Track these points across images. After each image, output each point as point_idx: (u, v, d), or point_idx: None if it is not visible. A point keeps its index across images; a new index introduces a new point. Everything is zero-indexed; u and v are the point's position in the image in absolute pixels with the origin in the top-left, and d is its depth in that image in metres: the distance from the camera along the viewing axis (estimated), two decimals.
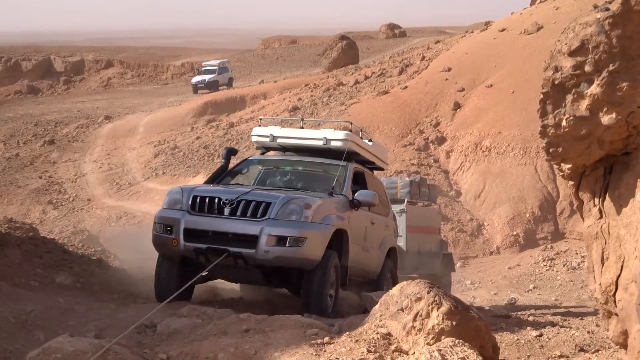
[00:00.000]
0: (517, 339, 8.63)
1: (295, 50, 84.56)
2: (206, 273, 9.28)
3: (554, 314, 12.34)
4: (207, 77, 56.72)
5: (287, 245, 9.16)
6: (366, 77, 41.95)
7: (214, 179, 11.16)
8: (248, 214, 9.32)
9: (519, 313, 12.40)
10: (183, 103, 47.32)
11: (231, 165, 11.64)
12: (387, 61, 48.42)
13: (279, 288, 10.71)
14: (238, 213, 9.35)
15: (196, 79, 57.88)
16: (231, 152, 11.90)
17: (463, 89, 34.64)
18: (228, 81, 58.06)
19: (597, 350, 8.01)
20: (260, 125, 12.49)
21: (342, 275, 10.05)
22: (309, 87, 43.26)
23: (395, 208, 14.17)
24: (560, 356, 7.90)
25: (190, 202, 9.58)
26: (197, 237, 9.41)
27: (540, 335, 8.77)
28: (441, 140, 31.82)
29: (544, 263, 23.31)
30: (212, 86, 55.32)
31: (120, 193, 31.41)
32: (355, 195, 10.41)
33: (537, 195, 27.51)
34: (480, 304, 16.12)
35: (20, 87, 74.97)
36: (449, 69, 36.76)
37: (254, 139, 12.35)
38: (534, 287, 20.99)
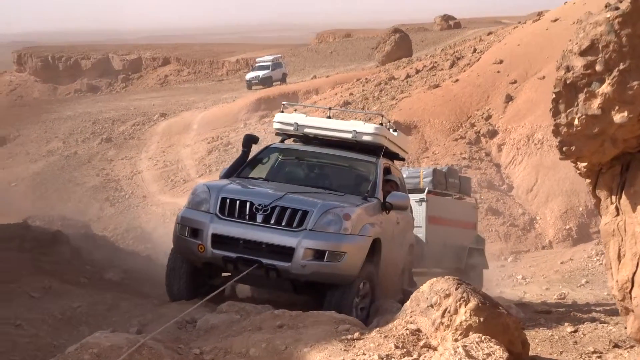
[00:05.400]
0: (552, 334, 8.60)
1: (349, 44, 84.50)
2: (234, 281, 8.95)
3: (599, 310, 12.21)
4: (260, 73, 57.14)
5: (325, 260, 8.62)
6: (417, 71, 41.82)
7: (235, 168, 10.62)
8: (283, 223, 8.73)
9: (563, 309, 12.33)
10: (237, 99, 47.80)
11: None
12: (438, 54, 48.17)
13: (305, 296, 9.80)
14: (272, 221, 8.74)
15: (250, 75, 58.39)
16: (251, 139, 11.28)
17: (515, 81, 34.27)
18: (282, 77, 58.37)
19: (632, 347, 7.92)
20: (282, 112, 11.53)
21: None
22: (360, 81, 43.31)
23: (416, 197, 13.74)
24: (594, 352, 7.83)
25: (219, 205, 8.97)
26: (226, 245, 8.81)
27: (576, 331, 8.73)
28: (493, 133, 31.53)
29: (597, 257, 22.94)
30: (266, 82, 55.69)
31: (175, 190, 31.94)
32: (388, 198, 9.88)
33: None
34: (530, 299, 16.02)
35: (79, 86, 77.03)
36: (501, 61, 36.39)
37: (275, 125, 11.45)
38: (586, 282, 20.68)
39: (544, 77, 33.25)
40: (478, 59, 39.11)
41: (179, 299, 9.34)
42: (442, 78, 38.18)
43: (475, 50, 42.25)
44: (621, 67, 4.77)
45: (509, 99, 33.17)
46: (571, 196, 26.90)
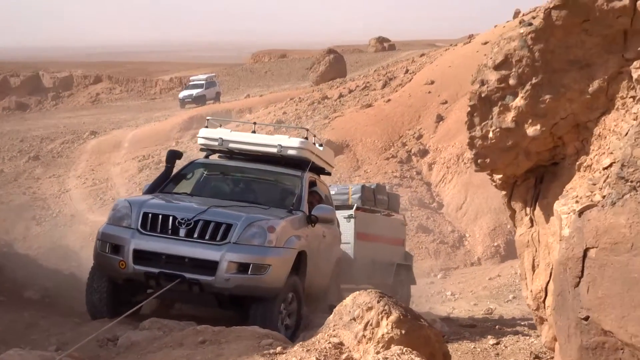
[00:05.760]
0: (474, 347, 8.74)
1: (284, 64, 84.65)
2: (154, 297, 8.72)
3: (523, 324, 12.43)
4: (194, 92, 56.79)
5: (249, 273, 8.52)
6: (350, 91, 42.15)
7: (158, 184, 10.45)
8: (206, 237, 8.63)
9: (489, 323, 12.51)
10: (169, 118, 47.37)
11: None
12: (371, 75, 48.67)
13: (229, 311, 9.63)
14: (195, 235, 8.62)
15: (183, 93, 57.99)
16: (175, 155, 11.13)
17: (446, 102, 34.83)
18: (215, 95, 58.14)
19: (552, 358, 8.09)
20: (207, 127, 11.42)
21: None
22: (294, 100, 43.45)
23: (344, 213, 13.80)
24: None
25: (140, 220, 8.80)
26: (148, 260, 8.65)
27: (498, 343, 8.89)
28: (424, 152, 31.95)
29: None
30: (199, 101, 55.36)
31: (104, 208, 31.24)
32: (313, 211, 9.86)
33: None
34: (458, 314, 16.19)
35: (8, 104, 74.98)
36: (432, 82, 36.95)
37: (200, 141, 11.38)
38: (513, 298, 21.00)
39: None
40: (410, 80, 39.64)
41: (100, 317, 9.14)
42: (375, 98, 38.57)
43: (407, 71, 42.81)
44: (534, 81, 4.88)
45: (440, 119, 33.68)
46: (499, 214, 27.32)
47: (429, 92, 36.13)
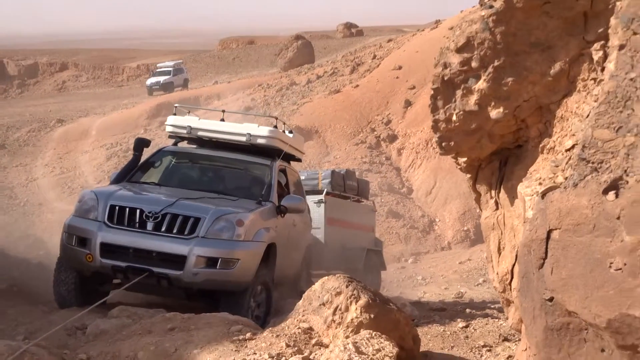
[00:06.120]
0: (444, 330, 8.79)
1: (252, 51, 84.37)
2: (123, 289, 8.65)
3: (493, 307, 12.52)
4: (161, 79, 56.45)
5: (217, 267, 8.47)
6: (318, 77, 42.15)
7: (126, 173, 10.29)
8: (174, 230, 8.54)
9: (459, 307, 12.59)
10: (137, 105, 46.98)
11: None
12: (339, 60, 48.66)
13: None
14: (163, 228, 8.54)
15: (151, 80, 57.60)
16: (143, 143, 10.93)
17: (414, 87, 34.92)
18: (183, 82, 57.86)
19: (520, 339, 8.16)
20: (175, 114, 11.28)
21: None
22: (262, 87, 43.34)
23: (314, 198, 13.79)
24: (484, 346, 8.07)
25: (107, 213, 8.69)
26: (115, 254, 8.55)
27: (467, 326, 8.95)
28: (393, 138, 32.05)
29: None
30: (167, 88, 55.04)
31: (72, 197, 30.91)
32: (283, 201, 9.79)
33: None
34: (429, 298, 16.29)
35: None
36: (400, 67, 37.02)
37: (168, 129, 11.24)
38: (484, 281, 21.15)
39: None
40: (378, 65, 39.68)
41: (68, 306, 9.06)
42: (343, 83, 38.58)
43: (375, 56, 42.86)
44: (496, 63, 4.88)
45: (408, 104, 33.77)
46: (468, 198, 27.46)
47: (397, 78, 36.21)
